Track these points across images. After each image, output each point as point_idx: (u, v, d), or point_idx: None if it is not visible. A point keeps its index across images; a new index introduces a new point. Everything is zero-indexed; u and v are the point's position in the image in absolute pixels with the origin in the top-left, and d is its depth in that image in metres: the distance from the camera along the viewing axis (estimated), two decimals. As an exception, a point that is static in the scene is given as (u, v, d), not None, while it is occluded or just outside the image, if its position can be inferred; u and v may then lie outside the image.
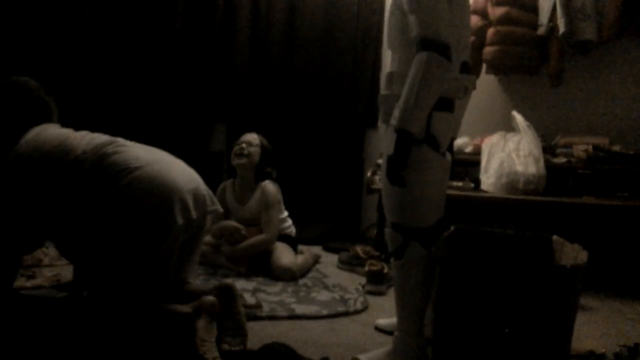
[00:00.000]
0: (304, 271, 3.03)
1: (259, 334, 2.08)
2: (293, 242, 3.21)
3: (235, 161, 3.17)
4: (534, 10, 3.46)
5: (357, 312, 2.42)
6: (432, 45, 1.62)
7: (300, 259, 3.07)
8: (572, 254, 1.84)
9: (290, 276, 2.88)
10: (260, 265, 3.00)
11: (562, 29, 3.33)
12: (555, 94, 3.68)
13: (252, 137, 3.21)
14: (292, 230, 3.29)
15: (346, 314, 2.39)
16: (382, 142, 1.87)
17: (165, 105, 4.13)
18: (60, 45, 3.88)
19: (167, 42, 4.10)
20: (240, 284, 2.75)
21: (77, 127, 2.09)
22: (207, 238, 3.30)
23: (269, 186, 3.16)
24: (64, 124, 2.15)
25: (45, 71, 3.65)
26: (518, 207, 3.03)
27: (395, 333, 1.87)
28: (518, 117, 3.26)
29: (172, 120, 4.15)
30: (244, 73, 4.21)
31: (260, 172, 3.19)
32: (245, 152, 3.14)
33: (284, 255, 2.99)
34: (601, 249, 2.77)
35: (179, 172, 2.02)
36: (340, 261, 3.29)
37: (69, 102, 3.88)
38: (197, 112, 4.24)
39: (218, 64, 4.25)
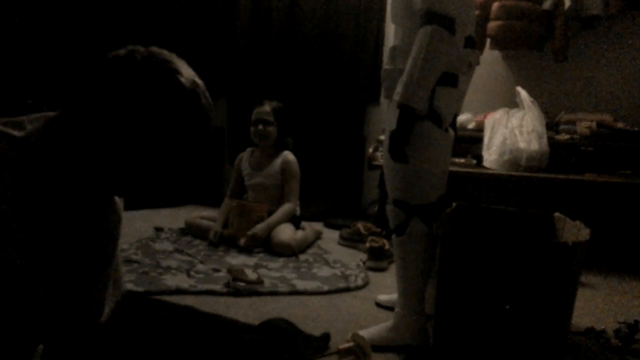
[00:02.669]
0: (304, 247, 3.04)
1: (260, 309, 2.09)
2: (296, 220, 3.22)
3: (256, 141, 3.28)
4: (540, -16, 3.41)
5: (357, 288, 2.43)
6: (437, 18, 1.60)
7: (300, 234, 3.07)
8: (574, 231, 1.84)
9: (289, 252, 2.90)
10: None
11: (568, 3, 3.28)
12: (559, 70, 3.64)
13: (266, 114, 3.23)
14: (297, 210, 3.31)
15: (347, 289, 2.40)
16: (384, 117, 1.85)
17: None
18: (59, 21, 3.84)
19: (168, 16, 4.06)
20: (241, 259, 2.76)
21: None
22: (211, 213, 3.32)
23: (291, 156, 3.28)
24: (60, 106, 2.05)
25: (40, 49, 3.62)
26: (520, 184, 3.02)
27: (396, 309, 1.88)
28: (522, 92, 3.23)
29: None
30: (245, 49, 4.18)
31: (280, 143, 3.30)
32: (264, 134, 3.22)
33: (284, 231, 3.00)
34: (603, 227, 2.76)
35: None
36: (342, 237, 3.30)
37: (64, 81, 3.86)
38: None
39: (219, 40, 4.21)
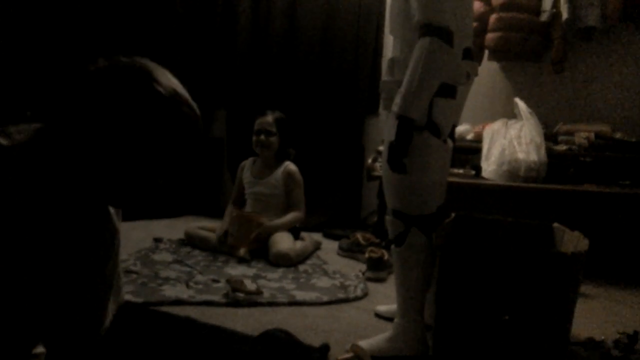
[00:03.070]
0: (302, 257, 3.04)
1: (259, 320, 2.09)
2: (295, 230, 3.23)
3: (258, 151, 3.32)
4: (537, -4, 3.43)
5: (357, 298, 2.43)
6: (435, 30, 1.61)
7: (299, 245, 3.08)
8: (573, 241, 1.84)
9: (287, 262, 2.89)
10: (260, 249, 3.02)
11: (565, 15, 3.30)
12: (557, 81, 3.66)
13: (269, 124, 3.27)
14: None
15: (346, 300, 2.39)
16: (383, 128, 1.86)
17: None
18: (60, 30, 3.86)
19: (168, 27, 4.08)
20: (240, 270, 2.76)
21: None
22: (210, 224, 3.33)
23: (293, 166, 3.33)
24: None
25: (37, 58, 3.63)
26: (519, 195, 3.02)
27: (396, 319, 1.88)
28: (521, 103, 3.25)
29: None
30: (245, 60, 4.20)
31: (281, 153, 3.34)
32: (266, 144, 3.26)
33: (282, 240, 3.01)
34: (602, 237, 2.77)
35: None
36: (341, 248, 3.30)
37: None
38: (198, 98, 4.21)
39: (219, 51, 4.23)
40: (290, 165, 3.33)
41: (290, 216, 3.22)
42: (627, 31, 3.49)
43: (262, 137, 3.25)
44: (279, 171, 3.29)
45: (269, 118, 3.28)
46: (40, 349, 1.29)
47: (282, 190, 3.27)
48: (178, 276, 2.57)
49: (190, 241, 3.20)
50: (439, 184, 1.83)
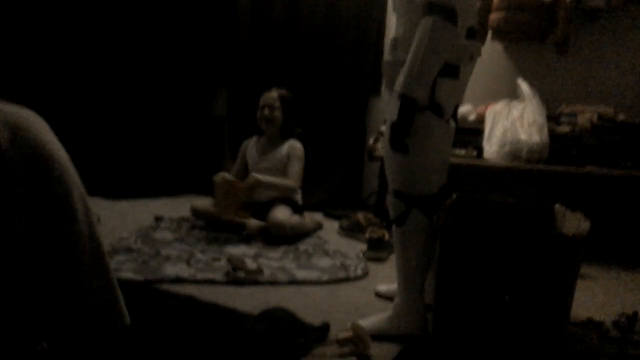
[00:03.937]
0: (298, 231, 3.08)
1: (259, 299, 2.10)
2: (299, 209, 3.24)
3: (263, 126, 3.34)
4: (542, -25, 3.39)
5: (357, 278, 2.44)
6: (439, 9, 1.59)
7: (295, 218, 3.10)
8: (574, 223, 1.84)
9: (281, 231, 2.95)
10: (262, 217, 3.09)
11: (570, -5, 3.27)
12: (561, 62, 3.63)
13: (273, 99, 3.30)
14: (299, 199, 3.34)
15: (346, 279, 2.41)
16: (385, 108, 1.85)
17: (167, 70, 4.09)
18: (59, 11, 3.83)
19: (168, 4, 4.04)
20: (241, 249, 2.77)
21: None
22: (213, 201, 3.34)
23: (298, 143, 3.36)
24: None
25: (45, 41, 3.60)
26: (521, 176, 3.02)
27: (396, 299, 1.89)
28: (523, 84, 3.23)
29: (174, 86, 4.12)
30: (246, 38, 4.17)
31: (286, 129, 3.36)
32: (270, 118, 3.29)
33: (280, 212, 3.07)
34: (603, 219, 2.77)
35: None
36: (341, 228, 3.31)
37: (72, 68, 3.85)
38: (199, 77, 4.21)
39: (219, 29, 4.20)
40: (295, 142, 3.36)
41: (283, 180, 3.22)
42: (632, 13, 3.45)
43: (267, 111, 3.28)
44: (284, 147, 3.32)
45: (274, 93, 3.31)
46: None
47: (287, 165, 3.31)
48: (179, 254, 2.58)
49: (197, 215, 3.24)
50: (441, 165, 1.82)
